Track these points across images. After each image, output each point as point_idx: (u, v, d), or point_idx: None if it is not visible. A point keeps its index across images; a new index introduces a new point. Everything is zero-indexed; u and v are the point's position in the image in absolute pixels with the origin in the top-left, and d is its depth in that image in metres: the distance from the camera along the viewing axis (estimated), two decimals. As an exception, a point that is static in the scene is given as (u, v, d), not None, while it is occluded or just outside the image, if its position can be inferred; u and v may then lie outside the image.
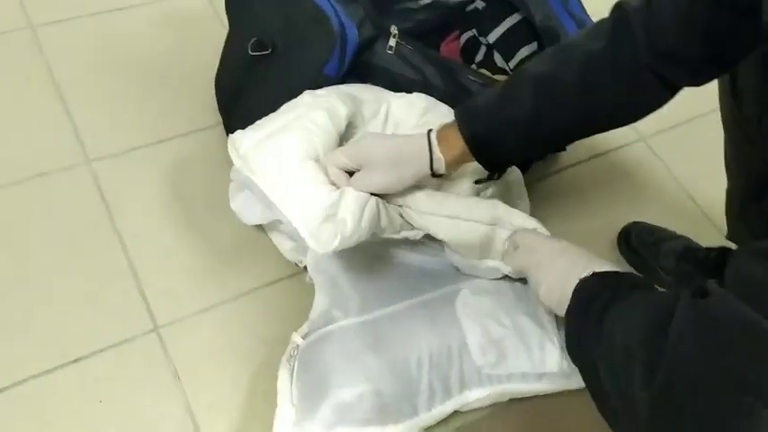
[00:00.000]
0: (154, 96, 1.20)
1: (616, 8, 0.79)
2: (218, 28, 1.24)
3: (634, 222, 1.18)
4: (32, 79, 1.18)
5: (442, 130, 0.88)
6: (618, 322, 0.66)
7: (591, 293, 0.74)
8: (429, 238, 0.95)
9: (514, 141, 0.86)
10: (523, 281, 0.96)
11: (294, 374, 0.88)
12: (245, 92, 1.10)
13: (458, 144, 0.87)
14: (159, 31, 1.28)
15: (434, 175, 0.89)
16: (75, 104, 1.16)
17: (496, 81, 1.07)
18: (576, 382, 0.89)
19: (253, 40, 1.03)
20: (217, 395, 0.93)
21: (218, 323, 0.99)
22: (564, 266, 0.80)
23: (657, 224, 1.18)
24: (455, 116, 0.88)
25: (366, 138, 0.96)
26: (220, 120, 1.16)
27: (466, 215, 0.93)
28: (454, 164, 0.89)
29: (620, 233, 1.18)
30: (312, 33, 1.00)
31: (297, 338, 0.91)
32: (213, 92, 1.16)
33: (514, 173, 1.07)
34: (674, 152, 1.34)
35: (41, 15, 1.25)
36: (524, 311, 0.94)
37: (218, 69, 1.16)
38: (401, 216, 0.93)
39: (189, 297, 1.01)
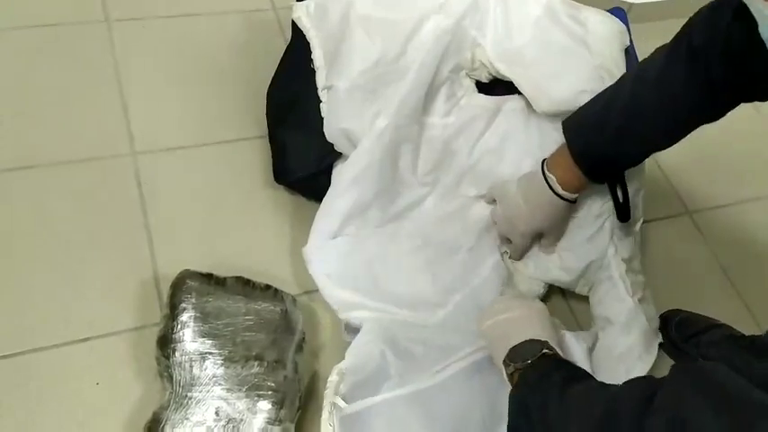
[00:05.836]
0: (207, 101, 1.23)
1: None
2: (280, 44, 1.27)
3: (671, 311, 1.13)
4: (97, 69, 1.23)
5: (554, 153, 0.98)
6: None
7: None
8: None
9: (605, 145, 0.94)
10: None
11: None
12: (302, 102, 1.12)
13: (566, 160, 0.95)
14: (226, 40, 1.33)
15: (563, 198, 0.97)
16: (133, 99, 1.20)
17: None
18: None
19: None
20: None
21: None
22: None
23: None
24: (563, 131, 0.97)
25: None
26: (264, 132, 1.19)
27: None
28: (570, 183, 0.96)
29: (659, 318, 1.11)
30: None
31: (338, 401, 0.84)
32: (262, 103, 1.19)
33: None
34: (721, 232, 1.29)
35: (119, 11, 1.32)
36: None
37: (274, 79, 1.19)
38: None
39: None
